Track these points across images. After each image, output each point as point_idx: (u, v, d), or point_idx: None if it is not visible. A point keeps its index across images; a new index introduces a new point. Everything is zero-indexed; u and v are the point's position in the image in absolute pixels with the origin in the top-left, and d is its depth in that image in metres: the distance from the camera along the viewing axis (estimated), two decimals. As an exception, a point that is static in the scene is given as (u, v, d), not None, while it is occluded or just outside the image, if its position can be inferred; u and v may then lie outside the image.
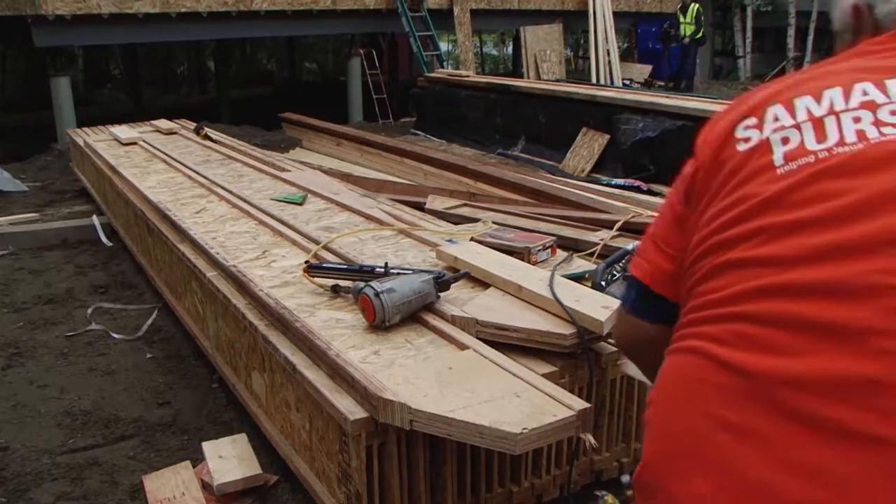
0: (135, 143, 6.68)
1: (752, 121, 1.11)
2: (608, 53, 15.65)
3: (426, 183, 7.39)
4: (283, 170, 5.43)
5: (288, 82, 23.01)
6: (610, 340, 2.59)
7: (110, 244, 5.96)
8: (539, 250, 3.29)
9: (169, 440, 3.23)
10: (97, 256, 5.75)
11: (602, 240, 3.80)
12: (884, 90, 1.05)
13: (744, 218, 1.04)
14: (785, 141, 1.06)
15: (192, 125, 7.53)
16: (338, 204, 4.32)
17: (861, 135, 1.02)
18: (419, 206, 5.03)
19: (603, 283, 3.11)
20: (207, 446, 2.95)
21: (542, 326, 2.52)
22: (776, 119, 1.09)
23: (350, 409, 2.18)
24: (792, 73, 1.25)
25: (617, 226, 3.90)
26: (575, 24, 16.93)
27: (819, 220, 0.99)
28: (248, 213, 4.16)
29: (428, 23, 13.59)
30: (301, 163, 6.69)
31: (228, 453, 2.91)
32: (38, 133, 11.29)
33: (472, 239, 3.45)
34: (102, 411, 3.45)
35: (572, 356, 2.49)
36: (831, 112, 1.05)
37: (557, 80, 13.39)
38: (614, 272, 3.18)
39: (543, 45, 15.19)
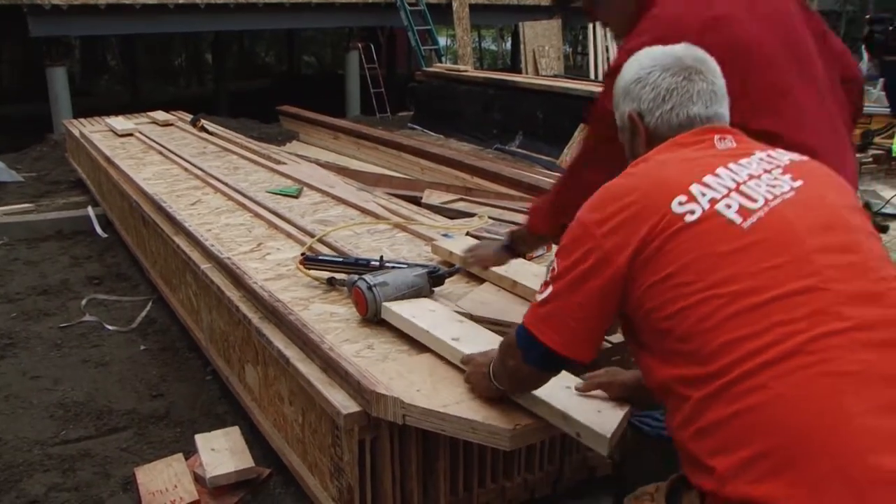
0: (131, 135, 6.66)
1: (684, 198, 1.37)
2: (607, 50, 15.63)
3: (423, 177, 7.37)
4: (280, 162, 5.42)
5: (286, 75, 23.00)
6: (605, 336, 2.58)
7: (105, 235, 5.94)
8: (535, 246, 3.27)
9: (162, 432, 3.22)
10: (92, 248, 5.73)
11: (598, 236, 3.79)
12: (742, 166, 1.42)
13: (755, 264, 1.31)
14: (728, 206, 1.35)
15: (189, 117, 7.51)
16: (333, 197, 4.31)
17: (772, 193, 1.37)
18: (415, 201, 5.03)
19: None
20: (200, 439, 2.94)
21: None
22: (703, 194, 1.37)
23: (343, 402, 2.18)
24: (639, 169, 1.52)
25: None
26: (574, 20, 16.91)
27: (829, 247, 1.32)
28: (244, 205, 4.15)
29: (426, 17, 13.57)
30: (298, 156, 6.68)
31: (221, 446, 2.90)
32: (35, 123, 11.25)
33: (467, 234, 3.44)
34: (95, 403, 3.44)
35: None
36: (739, 183, 1.38)
37: (556, 76, 13.36)
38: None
39: (542, 40, 15.16)
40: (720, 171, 1.41)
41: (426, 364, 2.29)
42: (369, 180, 6.02)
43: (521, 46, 15.22)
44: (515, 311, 2.59)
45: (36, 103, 12.75)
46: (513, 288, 2.80)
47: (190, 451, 2.96)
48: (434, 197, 5.51)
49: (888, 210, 5.70)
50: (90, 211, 6.26)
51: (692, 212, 1.36)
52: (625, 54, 1.80)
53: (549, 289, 1.54)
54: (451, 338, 2.30)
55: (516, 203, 5.03)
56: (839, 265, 1.31)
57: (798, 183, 1.41)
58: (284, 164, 5.39)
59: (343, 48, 15.76)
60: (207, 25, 13.03)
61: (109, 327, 4.24)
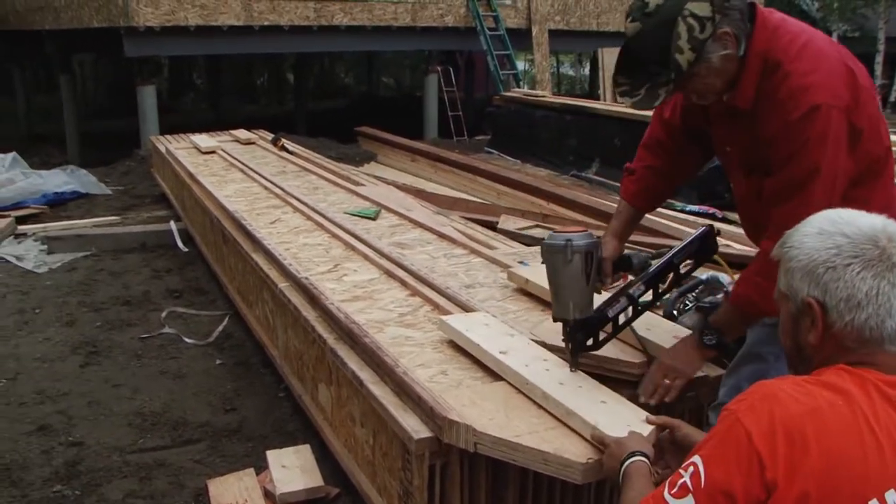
0: (213, 152, 6.84)
1: None
2: (687, 78, 15.42)
3: (499, 202, 7.37)
4: (358, 184, 5.49)
5: (365, 96, 23.36)
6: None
7: (186, 250, 6.11)
8: (611, 276, 3.23)
9: (234, 446, 3.28)
10: (173, 261, 5.90)
11: (675, 267, 3.71)
12: None
13: None
14: None
15: (270, 136, 7.68)
16: (410, 220, 4.34)
17: None
18: (491, 226, 5.03)
19: (675, 312, 3.05)
20: (271, 455, 2.99)
21: (612, 353, 2.48)
22: None
23: (415, 427, 2.18)
24: (829, 420, 1.31)
25: (691, 254, 3.81)
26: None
27: None
28: (322, 225, 4.21)
29: (506, 42, 13.63)
30: (375, 177, 6.76)
31: (292, 463, 2.93)
32: (124, 139, 11.68)
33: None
34: (172, 413, 3.52)
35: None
36: None
37: (634, 103, 13.23)
38: (686, 302, 3.11)
39: (621, 67, 15.05)
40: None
41: (500, 392, 2.27)
42: (445, 203, 6.05)
43: (601, 73, 15.14)
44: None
45: (125, 120, 13.22)
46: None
47: (261, 467, 3.00)
48: (510, 223, 5.50)
49: None
50: (172, 225, 6.44)
51: None
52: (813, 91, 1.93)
53: (690, 501, 1.35)
54: (498, 351, 2.42)
55: (593, 231, 4.98)
56: None
57: None
58: (363, 185, 5.46)
59: (422, 71, 15.94)
60: (290, 47, 13.33)
61: (187, 340, 4.35)
